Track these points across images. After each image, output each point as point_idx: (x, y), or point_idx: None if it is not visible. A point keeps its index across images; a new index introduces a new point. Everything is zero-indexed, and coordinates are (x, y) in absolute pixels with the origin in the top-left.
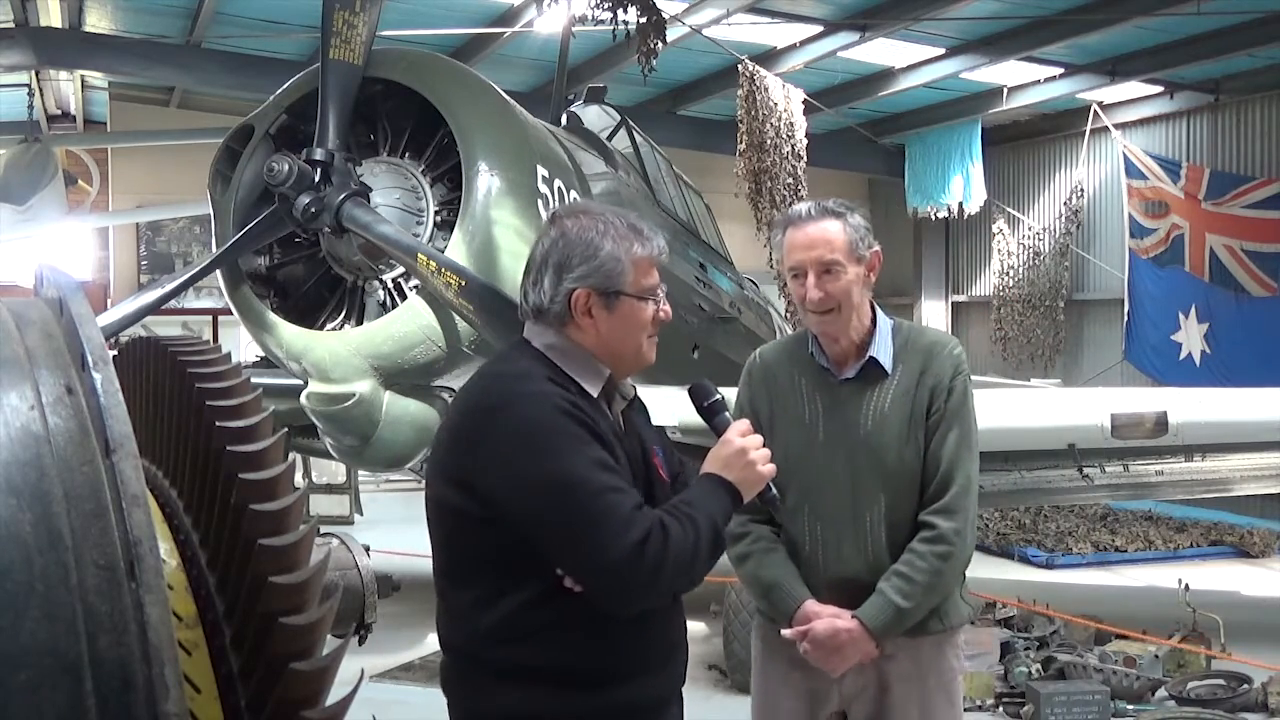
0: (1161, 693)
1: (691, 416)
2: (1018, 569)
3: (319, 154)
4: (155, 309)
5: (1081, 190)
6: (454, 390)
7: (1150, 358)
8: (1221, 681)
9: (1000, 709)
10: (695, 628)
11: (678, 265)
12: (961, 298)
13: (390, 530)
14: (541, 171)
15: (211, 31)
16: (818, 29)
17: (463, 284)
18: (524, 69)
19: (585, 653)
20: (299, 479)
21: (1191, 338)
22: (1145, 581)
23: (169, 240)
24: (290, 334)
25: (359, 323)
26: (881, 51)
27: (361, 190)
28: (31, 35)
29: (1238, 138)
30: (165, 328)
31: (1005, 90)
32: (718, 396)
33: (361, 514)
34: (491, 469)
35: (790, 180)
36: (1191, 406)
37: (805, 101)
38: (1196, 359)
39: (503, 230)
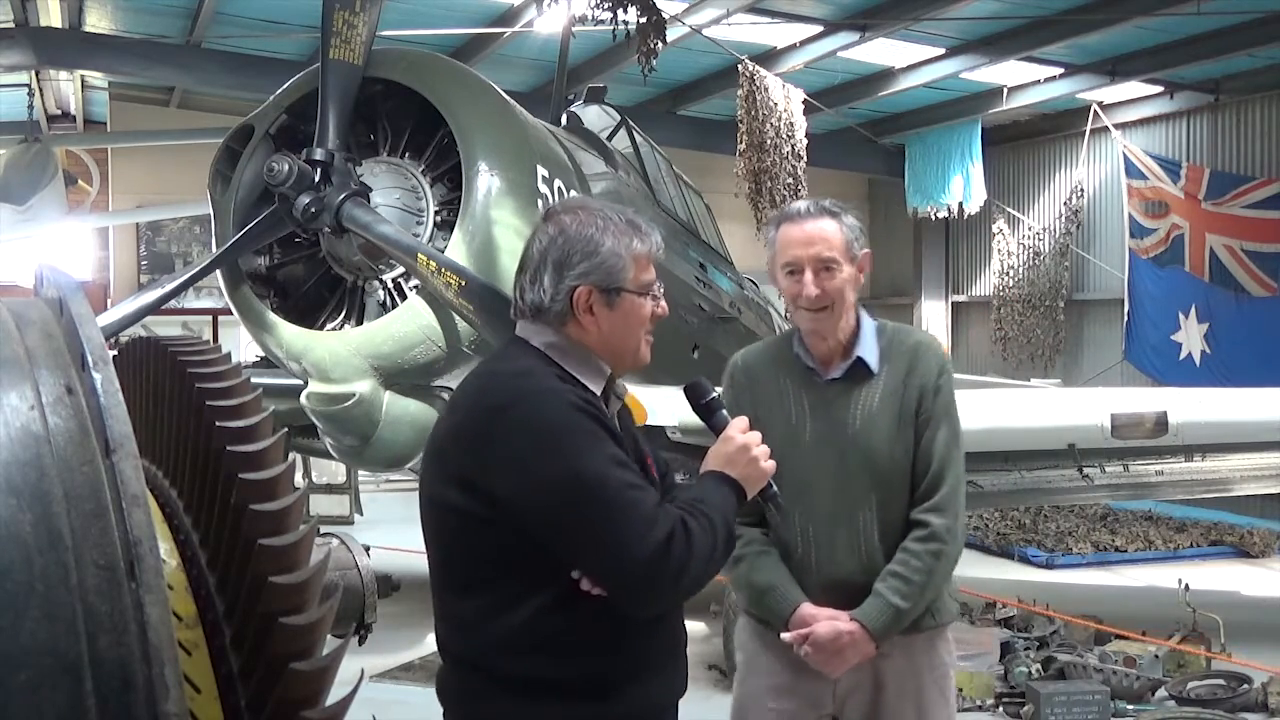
0: (1161, 693)
1: (691, 416)
2: (1018, 569)
3: (319, 154)
4: (155, 309)
5: (1081, 190)
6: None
7: (1150, 358)
8: (1221, 682)
9: (1000, 709)
10: (695, 628)
11: (678, 265)
12: (961, 298)
13: (390, 530)
14: (541, 171)
15: (211, 31)
16: (818, 29)
17: (463, 284)
18: (524, 69)
19: (597, 661)
20: (299, 479)
21: (1191, 338)
22: (1145, 581)
23: (169, 240)
24: (290, 334)
25: (359, 323)
26: (881, 51)
27: (361, 190)
28: (31, 35)
29: (1238, 138)
30: (165, 328)
31: (1005, 90)
32: (715, 394)
33: (361, 514)
34: (503, 469)
35: (790, 180)
36: (1191, 406)
37: (805, 101)
38: (1196, 359)
39: (503, 230)
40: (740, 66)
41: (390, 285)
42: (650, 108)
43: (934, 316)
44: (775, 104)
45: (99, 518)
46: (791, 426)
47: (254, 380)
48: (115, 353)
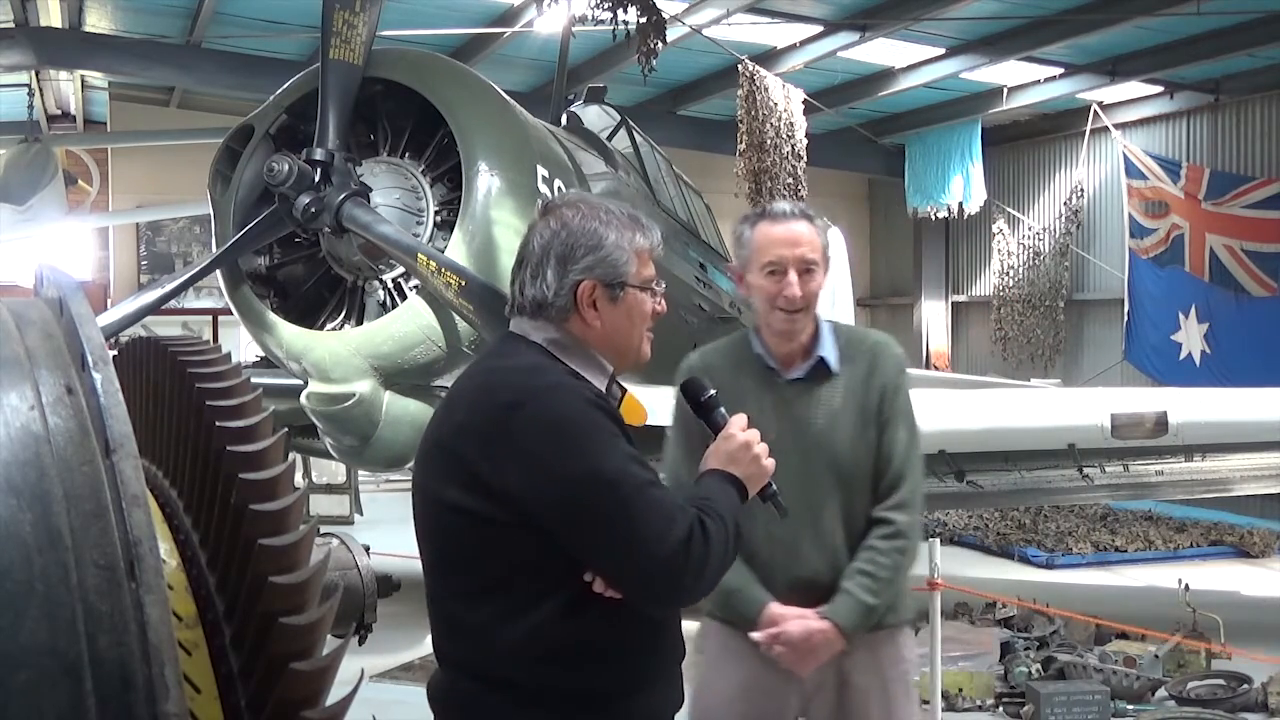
0: (1161, 693)
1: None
2: (1018, 569)
3: (319, 154)
4: (155, 309)
5: (1081, 190)
6: None
7: (1150, 358)
8: (1221, 681)
9: (1000, 709)
10: (692, 627)
11: (678, 265)
12: (961, 298)
13: (390, 530)
14: (541, 171)
15: (211, 31)
16: (818, 29)
17: (463, 284)
18: (524, 69)
19: (605, 671)
20: (299, 479)
21: (1191, 338)
22: (1145, 581)
23: (169, 240)
24: (290, 334)
25: (359, 323)
26: (881, 51)
27: (361, 190)
28: (31, 35)
29: (1238, 138)
30: (165, 328)
31: (1005, 90)
32: (713, 392)
33: (361, 514)
34: (517, 467)
35: (790, 180)
36: (1191, 406)
37: (805, 101)
38: (1196, 359)
39: (503, 230)
40: (740, 66)
41: (390, 285)
42: (650, 108)
43: (934, 316)
44: (775, 104)
45: (99, 518)
46: (753, 425)
47: (254, 380)
48: (115, 353)
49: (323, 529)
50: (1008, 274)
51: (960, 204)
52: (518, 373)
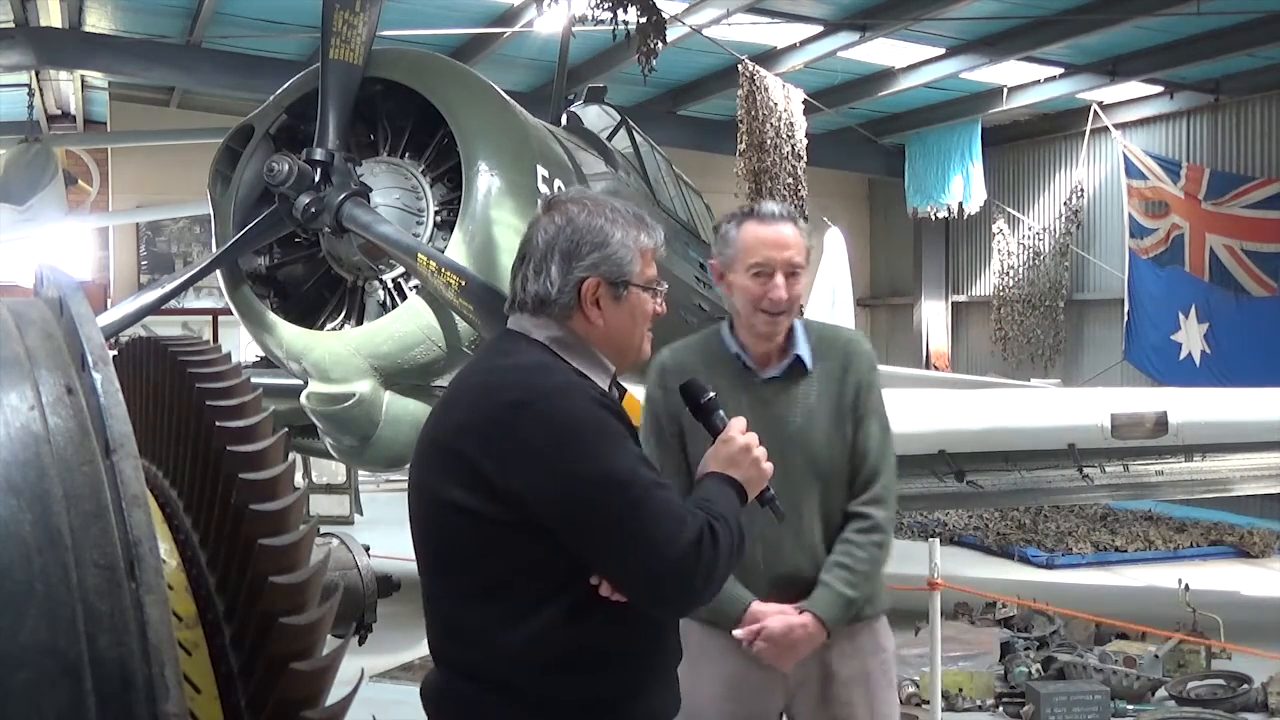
0: (1161, 693)
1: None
2: (1018, 569)
3: (319, 154)
4: (155, 309)
5: (1081, 190)
6: None
7: (1150, 358)
8: (1221, 681)
9: (1000, 709)
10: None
11: (678, 265)
12: (961, 298)
13: (390, 530)
14: (541, 171)
15: (211, 31)
16: (818, 29)
17: (463, 284)
18: (524, 69)
19: (606, 675)
20: (299, 479)
21: (1191, 338)
22: (1145, 581)
23: (169, 240)
24: (290, 334)
25: (359, 323)
26: (881, 51)
27: (361, 190)
28: (31, 35)
29: (1238, 138)
30: (165, 328)
31: (1005, 90)
32: (712, 394)
33: (361, 514)
34: (525, 467)
35: (790, 180)
36: (1191, 406)
37: (805, 101)
38: (1196, 359)
39: (503, 230)
40: (740, 66)
41: (390, 285)
42: (650, 108)
43: (934, 316)
44: (775, 104)
45: (99, 518)
46: None
47: (254, 380)
48: (115, 353)
49: (323, 529)
50: (1008, 274)
51: (960, 204)
52: (522, 371)
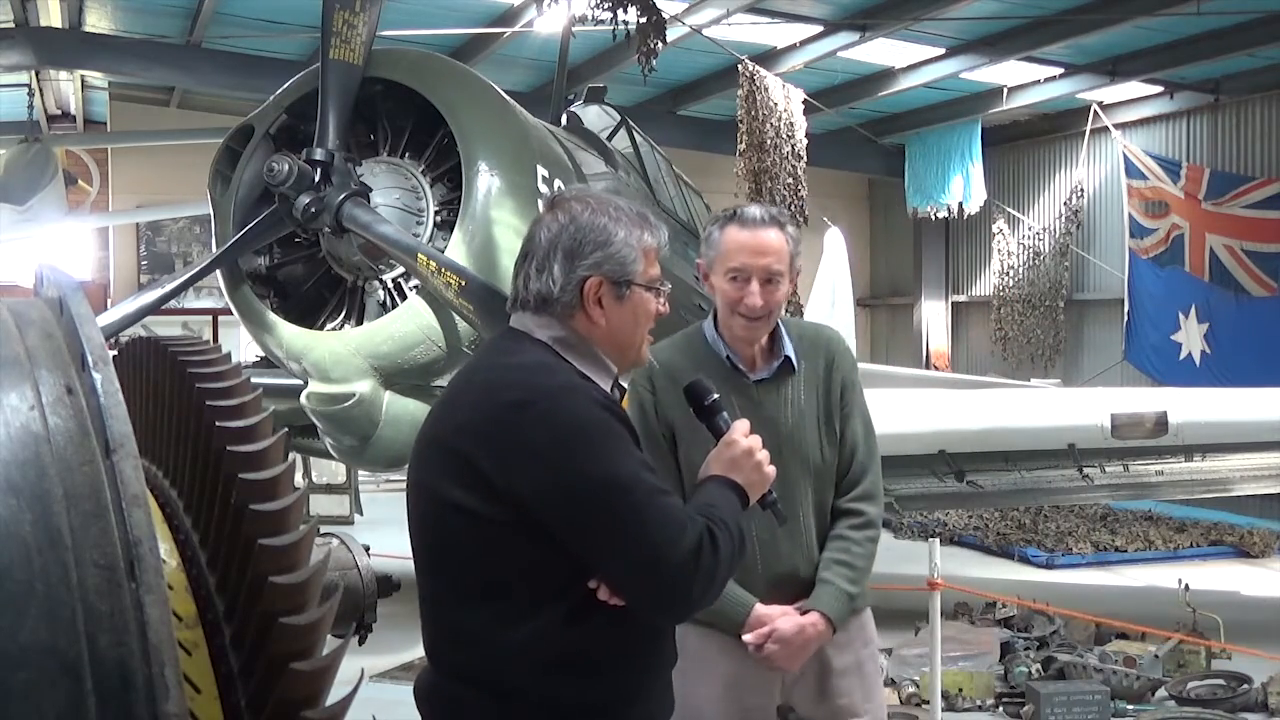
0: (1161, 693)
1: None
2: (1018, 569)
3: (319, 154)
4: (155, 309)
5: (1081, 190)
6: None
7: (1150, 358)
8: (1221, 681)
9: (1000, 709)
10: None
11: (678, 265)
12: (961, 298)
13: (390, 530)
14: (542, 171)
15: (211, 31)
16: (818, 29)
17: (463, 284)
18: (524, 69)
19: (604, 679)
20: (299, 479)
21: (1191, 338)
22: (1145, 581)
23: (169, 240)
24: (290, 334)
25: (359, 323)
26: (881, 51)
27: (361, 190)
28: (31, 35)
29: (1238, 138)
30: (165, 328)
31: (1005, 90)
32: (716, 395)
33: (361, 514)
34: (526, 468)
35: (790, 180)
36: (1191, 406)
37: (805, 101)
38: (1196, 359)
39: (503, 230)
40: (740, 66)
41: (390, 285)
42: (650, 108)
43: (934, 316)
44: (775, 104)
45: (99, 518)
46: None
47: (254, 380)
48: (115, 353)
49: (323, 529)
50: (1008, 274)
51: (960, 204)
52: (524, 370)
